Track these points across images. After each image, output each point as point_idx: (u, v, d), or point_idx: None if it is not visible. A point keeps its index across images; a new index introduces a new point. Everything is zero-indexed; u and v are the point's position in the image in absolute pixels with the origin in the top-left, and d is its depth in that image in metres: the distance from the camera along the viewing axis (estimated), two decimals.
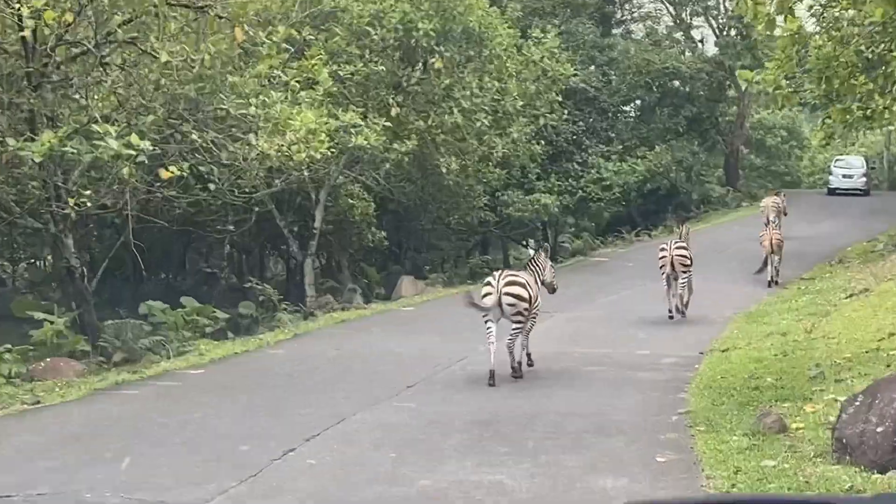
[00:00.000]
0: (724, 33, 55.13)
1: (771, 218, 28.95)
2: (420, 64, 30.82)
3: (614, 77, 50.41)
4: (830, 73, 13.24)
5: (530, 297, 15.07)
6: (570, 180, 46.62)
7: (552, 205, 43.24)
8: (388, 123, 28.11)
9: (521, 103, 31.59)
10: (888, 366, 12.84)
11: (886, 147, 74.46)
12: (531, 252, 18.04)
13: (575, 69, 35.04)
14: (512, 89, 31.38)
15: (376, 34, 29.22)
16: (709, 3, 56.63)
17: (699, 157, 51.85)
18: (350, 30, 29.11)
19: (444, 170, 30.31)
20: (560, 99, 35.06)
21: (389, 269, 38.90)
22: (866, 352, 14.40)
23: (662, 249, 21.67)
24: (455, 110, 29.53)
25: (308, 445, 11.02)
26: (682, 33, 56.75)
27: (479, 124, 29.89)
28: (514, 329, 14.89)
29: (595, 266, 32.36)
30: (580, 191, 46.57)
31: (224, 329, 25.37)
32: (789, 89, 13.37)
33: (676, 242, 22.05)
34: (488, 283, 15.06)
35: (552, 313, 22.47)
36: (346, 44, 28.75)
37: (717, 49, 54.92)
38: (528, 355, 15.57)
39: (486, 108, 30.15)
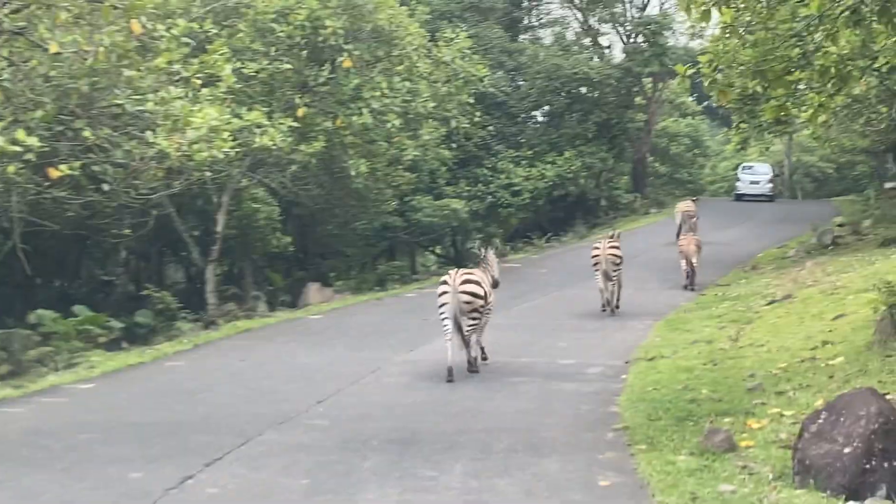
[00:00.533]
0: (632, 40, 54.86)
1: (689, 223, 29.11)
2: (328, 63, 29.72)
3: (523, 82, 49.80)
4: (766, 68, 12.46)
5: (485, 294, 15.64)
6: (479, 185, 45.95)
7: (462, 210, 42.51)
8: (294, 124, 26.97)
9: (433, 104, 30.63)
10: (831, 377, 12.12)
11: (787, 156, 75.21)
12: (480, 251, 17.55)
13: (484, 73, 34.15)
14: (423, 90, 30.41)
15: (282, 31, 28.05)
16: (615, 10, 56.34)
17: (608, 163, 51.45)
18: (255, 26, 27.87)
19: (352, 172, 29.21)
20: (472, 101, 34.21)
21: (294, 275, 37.64)
22: (801, 361, 13.71)
23: (595, 248, 22.75)
24: (364, 111, 28.47)
25: (209, 471, 9.88)
26: (589, 39, 56.36)
27: (389, 126, 28.86)
28: (469, 326, 15.28)
29: (508, 273, 31.32)
30: (490, 196, 45.90)
31: (119, 339, 23.98)
32: (725, 83, 12.58)
33: (609, 241, 22.79)
34: (445, 282, 15.43)
35: None
36: (251, 41, 27.51)
37: (624, 55, 54.60)
38: (483, 349, 16.20)
39: (397, 109, 29.12)
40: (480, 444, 10.72)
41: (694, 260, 26.32)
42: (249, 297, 31.27)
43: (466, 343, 15.28)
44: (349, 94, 28.94)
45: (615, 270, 22.26)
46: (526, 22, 58.37)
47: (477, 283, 15.51)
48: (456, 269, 16.12)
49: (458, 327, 15.09)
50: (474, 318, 15.31)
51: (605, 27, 57.93)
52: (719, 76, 12.40)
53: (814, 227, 37.17)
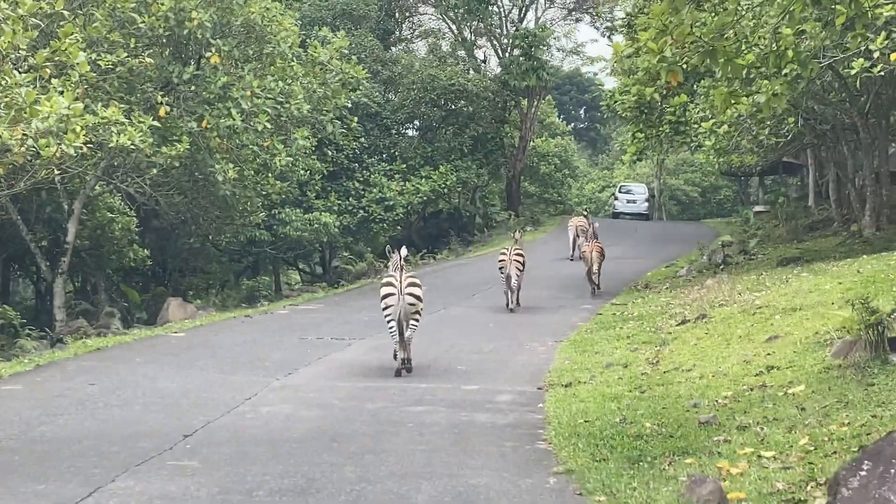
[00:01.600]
0: (508, 53, 53.48)
1: (588, 232, 28.84)
2: (194, 59, 27.27)
3: (398, 93, 47.89)
4: (718, 46, 10.69)
5: (422, 296, 16.06)
6: (350, 199, 43.83)
7: (332, 224, 40.36)
8: (156, 123, 24.50)
9: (308, 107, 28.32)
10: (802, 409, 10.28)
11: (657, 177, 75.08)
12: (391, 255, 17.08)
13: (363, 75, 31.90)
14: (297, 92, 28.09)
15: (143, 22, 25.52)
16: (492, 22, 54.96)
17: (484, 179, 49.83)
18: (112, 15, 25.23)
19: (219, 178, 26.71)
20: (349, 104, 31.98)
21: (153, 291, 34.92)
22: (749, 389, 11.91)
23: (503, 254, 24.52)
24: (233, 111, 26.07)
25: None
26: (465, 52, 54.78)
27: (260, 128, 26.45)
28: (411, 327, 15.69)
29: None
30: (361, 211, 43.81)
31: None
32: (674, 61, 10.73)
33: (515, 249, 24.67)
34: (390, 284, 15.79)
35: (348, 340, 19.50)
36: (108, 31, 24.83)
37: (501, 69, 53.19)
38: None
39: (269, 110, 26.75)
40: (395, 496, 8.56)
41: (595, 267, 26.84)
42: (102, 314, 28.52)
43: (405, 345, 15.59)
44: (216, 93, 26.50)
45: (517, 275, 24.10)
46: (398, 34, 56.53)
47: (419, 286, 15.99)
48: (399, 271, 16.12)
49: (401, 329, 15.52)
50: (416, 320, 15.83)
51: (481, 41, 56.64)
52: (668, 53, 10.54)
53: (700, 246, 36.28)
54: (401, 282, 15.66)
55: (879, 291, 16.23)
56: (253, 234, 37.94)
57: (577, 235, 32.47)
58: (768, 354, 13.73)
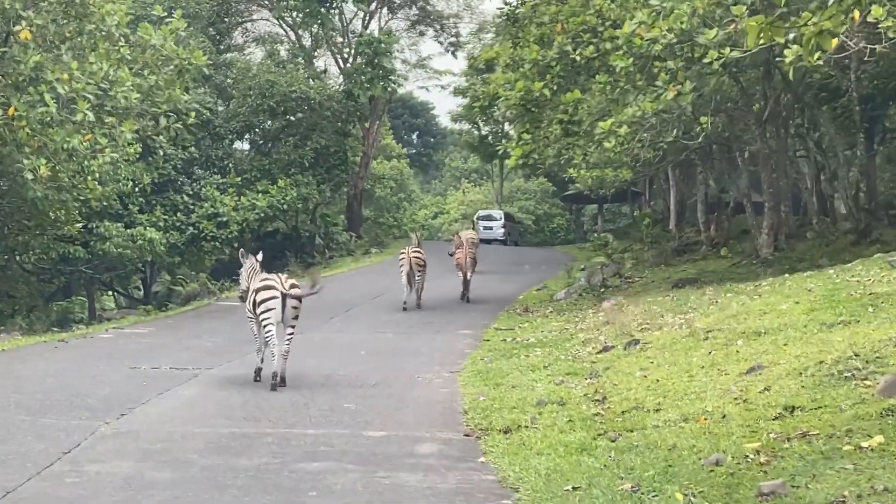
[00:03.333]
0: (352, 62, 49.90)
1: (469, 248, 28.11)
2: (1, 35, 22.86)
3: (232, 100, 43.61)
4: None
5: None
6: (179, 214, 39.41)
7: (159, 241, 36.00)
8: None
9: (137, 96, 24.03)
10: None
11: (498, 202, 73.00)
12: (248, 260, 15.29)
13: (204, 61, 27.46)
14: (124, 78, 23.81)
15: None
16: (333, 29, 51.30)
17: (326, 195, 46.00)
18: None
19: (28, 176, 22.22)
20: (187, 97, 27.68)
21: None
22: (787, 439, 8.58)
23: (402, 253, 25.57)
24: (47, 97, 21.71)
25: None
26: (304, 59, 50.86)
27: (80, 118, 22.11)
28: (289, 333, 14.29)
29: (228, 312, 25.51)
30: (191, 227, 39.44)
31: None
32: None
33: (413, 248, 25.70)
34: (271, 287, 14.30)
35: (192, 370, 15.58)
36: None
37: (343, 77, 49.55)
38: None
39: (90, 97, 22.45)
40: None
41: (469, 273, 27.03)
42: None
43: (285, 354, 14.05)
44: (27, 75, 22.14)
45: (419, 273, 25.33)
46: (230, 41, 52.25)
47: (300, 288, 14.67)
48: (278, 273, 14.87)
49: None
50: (294, 326, 14.43)
51: (321, 49, 53.03)
52: None
53: (568, 268, 33.64)
54: (283, 283, 14.21)
55: (856, 312, 13.38)
56: (66, 251, 33.22)
57: (472, 247, 30.07)
58: (766, 390, 10.50)
